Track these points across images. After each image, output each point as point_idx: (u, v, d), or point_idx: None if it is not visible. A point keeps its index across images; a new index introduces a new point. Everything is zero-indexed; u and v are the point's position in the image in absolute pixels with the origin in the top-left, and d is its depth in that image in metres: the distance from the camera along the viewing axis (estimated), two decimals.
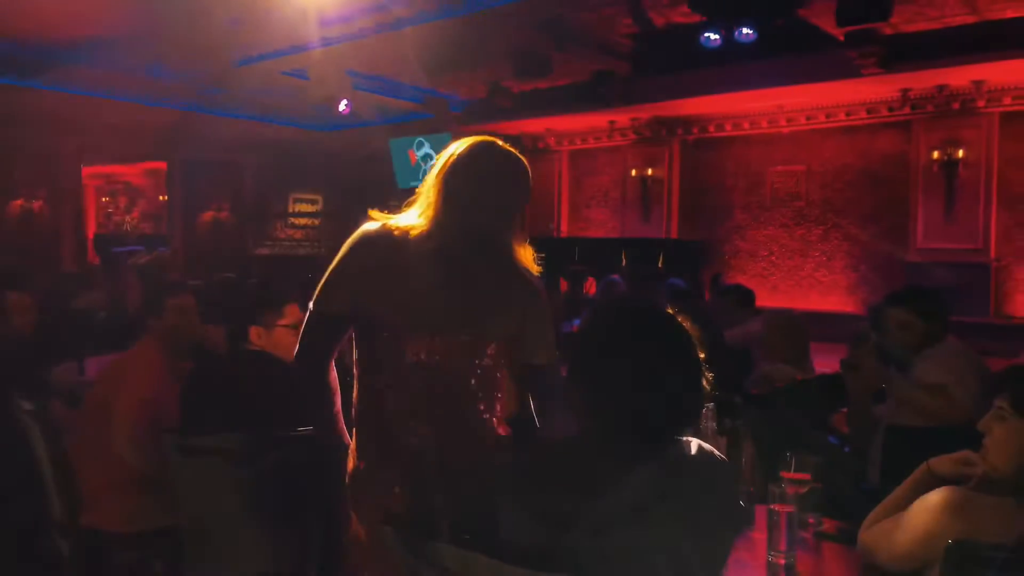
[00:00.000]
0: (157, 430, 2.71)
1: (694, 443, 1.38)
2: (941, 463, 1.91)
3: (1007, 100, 9.28)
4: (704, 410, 2.11)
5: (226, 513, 2.43)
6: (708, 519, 1.30)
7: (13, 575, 3.29)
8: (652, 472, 1.31)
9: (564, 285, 10.23)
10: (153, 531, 2.78)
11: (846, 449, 3.64)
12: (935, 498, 1.69)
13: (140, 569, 2.99)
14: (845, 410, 3.60)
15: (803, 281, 11.19)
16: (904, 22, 8.14)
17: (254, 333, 2.73)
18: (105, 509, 2.83)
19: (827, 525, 2.21)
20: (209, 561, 2.47)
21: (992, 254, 9.53)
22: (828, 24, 7.76)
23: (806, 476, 2.11)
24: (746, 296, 4.97)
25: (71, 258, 13.03)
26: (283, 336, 2.74)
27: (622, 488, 1.28)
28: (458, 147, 1.86)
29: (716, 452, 1.38)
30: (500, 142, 1.87)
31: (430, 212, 1.79)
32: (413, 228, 1.78)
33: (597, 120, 12.18)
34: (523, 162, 1.87)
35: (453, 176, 1.80)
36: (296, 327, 2.77)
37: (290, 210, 16.11)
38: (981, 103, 9.36)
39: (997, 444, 1.77)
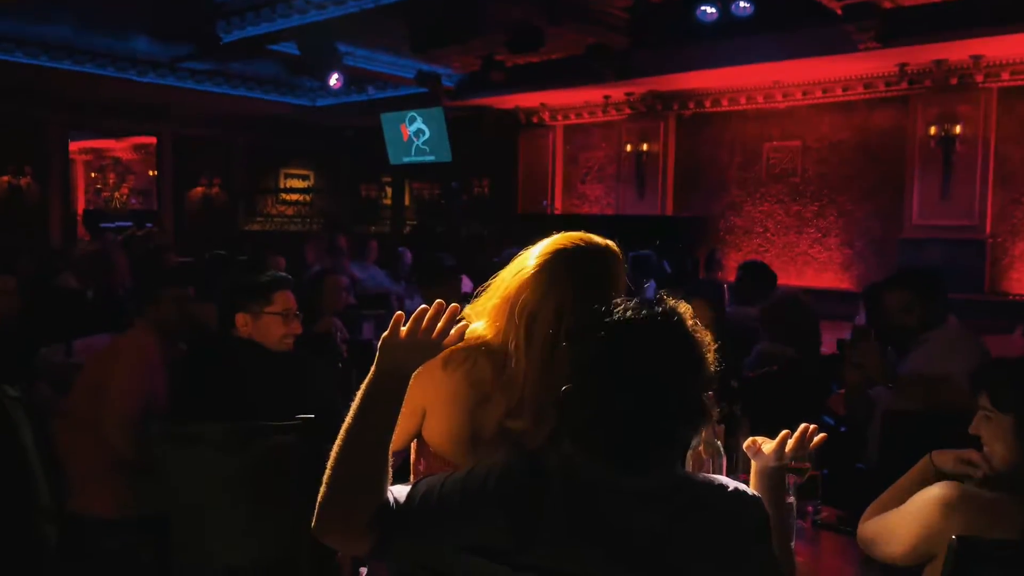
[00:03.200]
0: (148, 417, 2.67)
1: (728, 481, 1.29)
2: (943, 458, 1.88)
3: (1005, 76, 9.20)
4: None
5: (215, 500, 2.39)
6: (734, 558, 1.22)
7: (1, 561, 3.26)
8: (672, 504, 1.23)
9: None
10: (141, 517, 2.74)
11: (842, 429, 3.62)
12: (934, 492, 1.68)
13: (128, 555, 2.96)
14: (842, 391, 3.57)
15: (798, 258, 11.16)
16: None
17: (240, 320, 2.67)
18: (93, 495, 2.80)
19: (826, 513, 2.18)
20: (198, 548, 2.43)
21: (987, 231, 9.50)
22: None
23: (805, 465, 2.07)
24: (763, 273, 4.75)
25: (60, 234, 12.91)
26: (270, 324, 2.68)
27: (639, 519, 1.20)
28: (542, 253, 1.56)
29: (748, 490, 1.29)
30: (583, 243, 1.58)
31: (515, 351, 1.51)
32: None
33: (592, 94, 12.05)
34: (614, 255, 1.59)
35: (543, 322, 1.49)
36: (284, 315, 2.73)
37: (281, 186, 15.98)
38: (979, 78, 9.27)
39: (991, 444, 1.75)
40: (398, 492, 1.30)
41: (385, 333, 1.34)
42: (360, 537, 1.27)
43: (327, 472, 1.28)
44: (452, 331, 1.37)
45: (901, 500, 1.81)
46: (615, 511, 1.20)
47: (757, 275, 4.76)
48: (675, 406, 1.20)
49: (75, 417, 2.91)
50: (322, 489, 1.28)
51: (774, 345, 3.79)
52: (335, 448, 1.30)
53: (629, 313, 1.22)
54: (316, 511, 1.27)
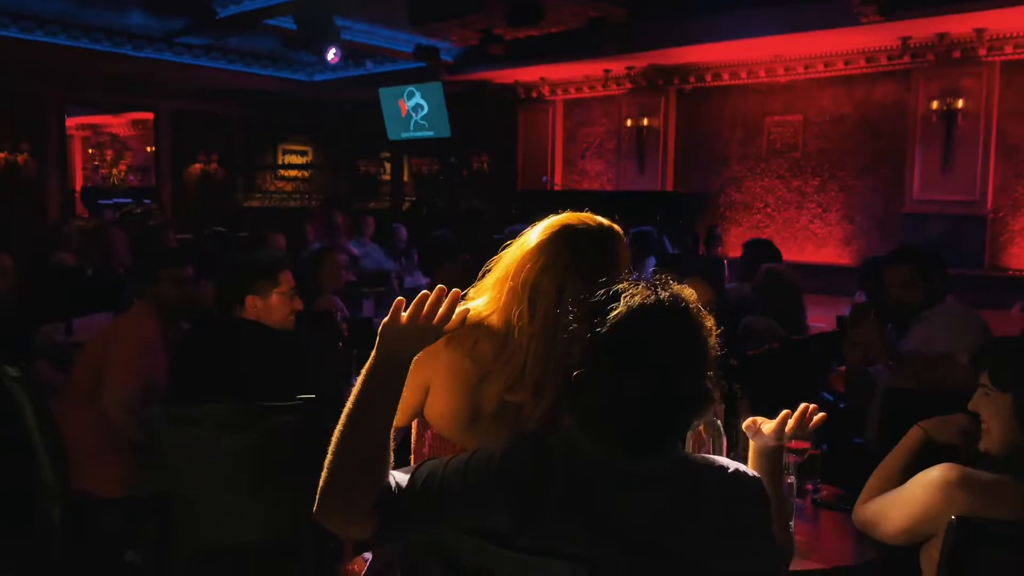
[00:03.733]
0: (149, 398, 2.68)
1: (728, 462, 1.30)
2: (934, 427, 1.89)
3: (1008, 49, 9.11)
4: None
5: (218, 480, 2.40)
6: (734, 539, 1.23)
7: (6, 540, 3.28)
8: (673, 486, 1.24)
9: None
10: (144, 496, 2.74)
11: (841, 406, 3.63)
12: (934, 474, 1.69)
13: (132, 534, 2.98)
14: (842, 368, 3.58)
15: (798, 233, 11.13)
16: None
17: (250, 302, 2.69)
18: (96, 474, 2.80)
19: (825, 492, 2.19)
20: (201, 527, 2.44)
21: (988, 206, 9.47)
22: None
23: (805, 444, 2.08)
24: (764, 251, 4.78)
25: (58, 211, 12.86)
26: (278, 303, 2.72)
27: (641, 504, 1.22)
28: (542, 237, 1.58)
29: (748, 471, 1.30)
30: (588, 221, 1.60)
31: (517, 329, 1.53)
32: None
33: (592, 68, 11.96)
34: (616, 235, 1.61)
35: (539, 288, 1.52)
36: (289, 294, 2.75)
37: (279, 162, 15.89)
38: (982, 52, 9.19)
39: (988, 422, 1.76)
40: (399, 477, 1.30)
41: (385, 319, 1.32)
42: (361, 522, 1.26)
43: (328, 457, 1.27)
44: (454, 317, 1.35)
45: (893, 477, 1.82)
46: (617, 494, 1.21)
47: (758, 253, 4.77)
48: (683, 393, 1.21)
49: (77, 397, 2.91)
50: (323, 474, 1.27)
51: (756, 319, 3.80)
52: (336, 433, 1.29)
53: (637, 300, 1.21)
54: (317, 496, 1.27)
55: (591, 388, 1.21)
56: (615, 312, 1.20)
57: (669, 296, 1.22)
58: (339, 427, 1.29)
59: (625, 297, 1.22)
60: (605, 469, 1.23)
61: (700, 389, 1.22)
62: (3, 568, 3.16)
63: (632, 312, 1.19)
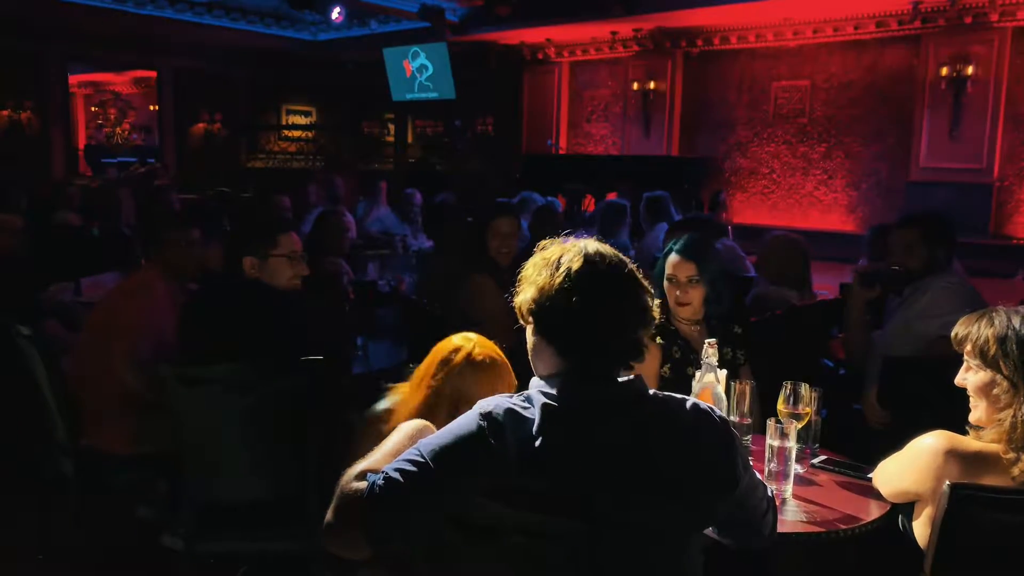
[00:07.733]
0: (158, 357, 2.71)
1: (689, 401, 1.38)
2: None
3: (1021, 14, 8.99)
4: (707, 344, 2.10)
5: (226, 437, 2.44)
6: (695, 482, 1.32)
7: (21, 494, 3.35)
8: (639, 411, 1.33)
9: (563, 203, 10.12)
10: (155, 453, 2.80)
11: (841, 372, 3.67)
12: (927, 441, 1.77)
13: (142, 489, 3.04)
14: (842, 335, 3.61)
15: (803, 199, 11.10)
16: None
17: (248, 263, 2.70)
18: (106, 431, 2.85)
19: (824, 457, 2.23)
20: (209, 483, 2.49)
21: (995, 174, 9.43)
22: None
23: (806, 411, 2.12)
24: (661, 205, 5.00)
25: (62, 169, 12.84)
26: (277, 265, 2.72)
27: (601, 443, 1.30)
28: None
29: (714, 412, 1.39)
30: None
31: None
32: None
33: (599, 30, 11.82)
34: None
35: None
36: (290, 256, 2.75)
37: (283, 122, 15.79)
38: (994, 17, 9.06)
39: (974, 396, 1.81)
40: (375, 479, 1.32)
41: None
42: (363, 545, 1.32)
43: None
44: None
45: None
46: (590, 421, 1.31)
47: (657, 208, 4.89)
48: (629, 329, 1.39)
49: (86, 355, 2.95)
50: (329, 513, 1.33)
51: (773, 287, 3.79)
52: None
53: (593, 262, 1.38)
54: (325, 529, 1.33)
55: (564, 328, 1.37)
56: (579, 272, 1.36)
57: (611, 257, 1.41)
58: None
59: (581, 259, 1.38)
60: (576, 403, 1.32)
61: (637, 337, 1.40)
62: (20, 522, 3.23)
63: (592, 274, 1.36)
